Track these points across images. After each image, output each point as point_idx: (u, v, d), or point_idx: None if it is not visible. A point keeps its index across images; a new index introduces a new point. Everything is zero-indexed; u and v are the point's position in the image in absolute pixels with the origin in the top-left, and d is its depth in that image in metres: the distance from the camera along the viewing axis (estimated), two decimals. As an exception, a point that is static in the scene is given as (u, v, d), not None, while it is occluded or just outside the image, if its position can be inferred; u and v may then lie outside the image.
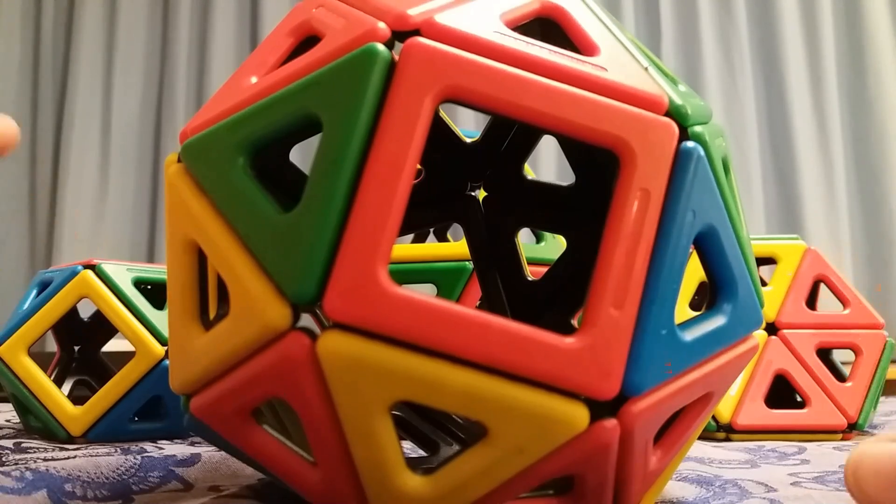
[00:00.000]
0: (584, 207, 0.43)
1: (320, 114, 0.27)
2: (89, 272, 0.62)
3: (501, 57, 0.27)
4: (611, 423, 0.27)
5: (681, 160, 0.28)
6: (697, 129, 0.29)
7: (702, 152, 0.29)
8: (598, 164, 0.42)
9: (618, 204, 0.27)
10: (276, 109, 0.28)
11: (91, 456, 0.49)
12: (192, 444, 0.59)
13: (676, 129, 0.28)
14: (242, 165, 0.29)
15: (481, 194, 0.47)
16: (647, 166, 0.27)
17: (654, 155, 0.27)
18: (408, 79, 0.26)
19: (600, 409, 0.27)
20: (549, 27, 0.32)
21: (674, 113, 0.28)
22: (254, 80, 0.31)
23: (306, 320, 0.27)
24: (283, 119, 0.28)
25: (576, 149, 0.43)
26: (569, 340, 0.26)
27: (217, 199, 0.29)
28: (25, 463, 0.45)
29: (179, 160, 0.31)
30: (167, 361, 0.60)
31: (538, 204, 0.45)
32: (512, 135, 0.45)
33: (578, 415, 0.26)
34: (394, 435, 0.27)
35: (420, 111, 0.26)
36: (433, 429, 0.46)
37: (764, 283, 0.72)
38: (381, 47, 0.27)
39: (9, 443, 0.58)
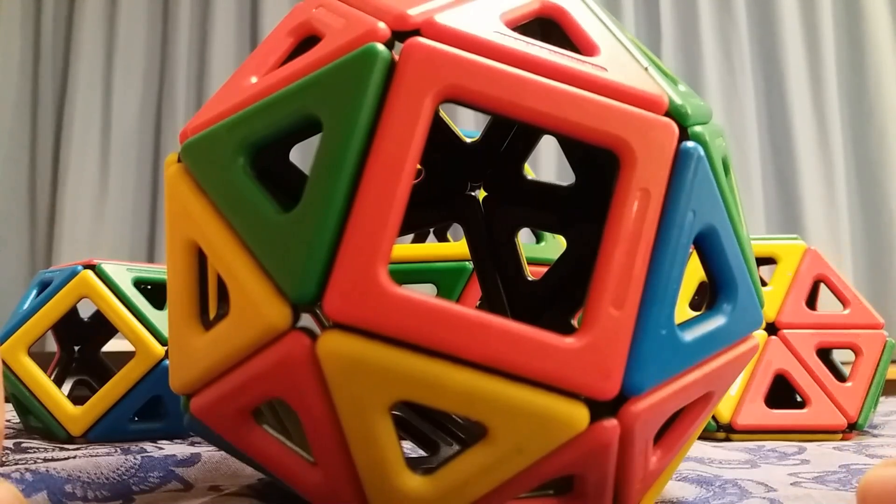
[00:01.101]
0: (584, 207, 0.43)
1: (320, 114, 0.27)
2: (89, 272, 0.62)
3: (501, 57, 0.27)
4: (611, 423, 0.27)
5: (681, 160, 0.28)
6: (697, 129, 0.29)
7: (702, 152, 0.29)
8: (598, 164, 0.42)
9: (618, 204, 0.27)
10: (276, 109, 0.28)
11: (91, 456, 0.49)
12: (192, 444, 0.59)
13: (676, 129, 0.28)
14: (242, 165, 0.29)
15: (481, 194, 0.47)
16: (647, 166, 0.27)
17: (654, 155, 0.27)
18: (408, 79, 0.26)
19: (600, 409, 0.27)
20: (549, 27, 0.32)
21: (674, 113, 0.28)
22: (254, 80, 0.31)
23: (306, 321, 0.27)
24: (283, 119, 0.28)
25: (576, 149, 0.43)
26: (569, 340, 0.26)
27: (217, 199, 0.29)
28: (25, 463, 0.45)
29: (179, 160, 0.31)
30: (167, 361, 0.59)
31: (538, 204, 0.45)
32: (512, 135, 0.45)
33: (578, 415, 0.26)
34: (394, 435, 0.27)
35: (420, 111, 0.26)
36: (433, 429, 0.46)
37: (764, 283, 0.72)
38: (381, 47, 0.27)
39: (9, 443, 0.58)
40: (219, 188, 0.29)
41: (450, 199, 0.47)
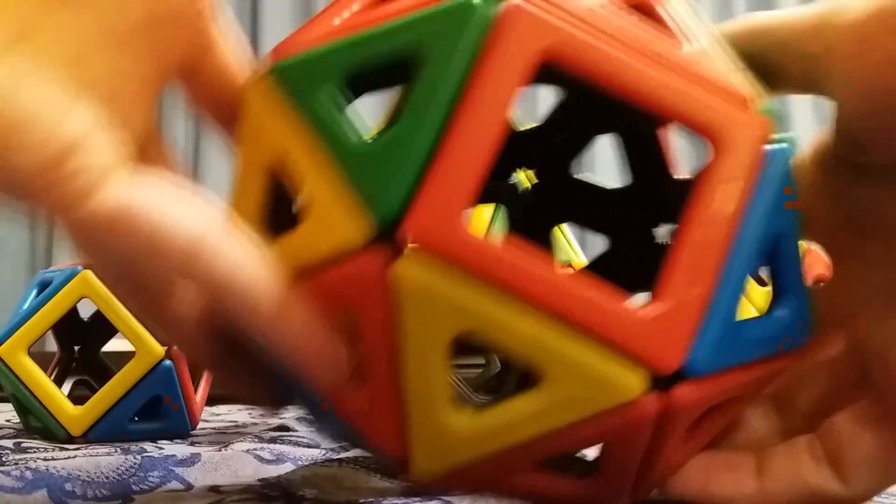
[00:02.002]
0: (634, 210, 0.43)
1: (422, 49, 0.27)
2: (89, 272, 0.61)
3: (604, 30, 0.27)
4: (658, 396, 0.27)
5: (770, 159, 0.28)
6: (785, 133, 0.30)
7: (790, 153, 0.29)
8: (655, 167, 0.41)
9: (705, 188, 0.27)
10: (376, 41, 0.28)
11: (91, 456, 0.48)
12: (192, 444, 0.59)
13: (770, 128, 0.29)
14: (337, 91, 0.28)
15: (524, 182, 0.46)
16: (739, 159, 0.28)
17: (746, 149, 0.28)
18: (510, 29, 0.26)
19: (654, 383, 0.26)
20: (643, 12, 0.31)
21: (766, 113, 0.29)
22: (356, 7, 0.30)
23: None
24: (381, 52, 0.28)
25: (636, 151, 0.42)
26: (642, 307, 0.26)
27: (308, 120, 0.28)
28: (25, 463, 0.44)
29: (268, 78, 0.30)
30: (167, 361, 0.60)
31: (582, 201, 0.45)
32: (569, 129, 0.44)
33: (633, 382, 0.26)
34: (449, 369, 0.27)
35: (518, 67, 0.26)
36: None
37: (764, 283, 0.71)
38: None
39: (9, 443, 0.58)
40: (312, 110, 0.28)
41: (492, 182, 0.46)
